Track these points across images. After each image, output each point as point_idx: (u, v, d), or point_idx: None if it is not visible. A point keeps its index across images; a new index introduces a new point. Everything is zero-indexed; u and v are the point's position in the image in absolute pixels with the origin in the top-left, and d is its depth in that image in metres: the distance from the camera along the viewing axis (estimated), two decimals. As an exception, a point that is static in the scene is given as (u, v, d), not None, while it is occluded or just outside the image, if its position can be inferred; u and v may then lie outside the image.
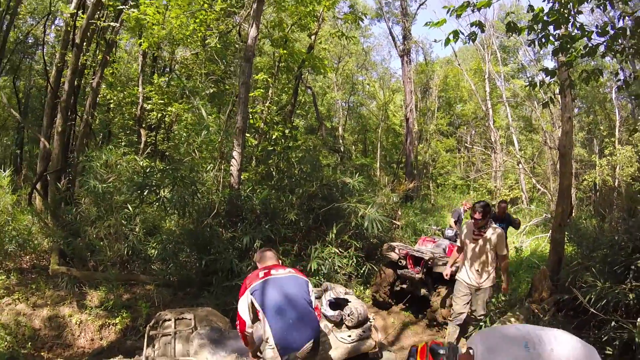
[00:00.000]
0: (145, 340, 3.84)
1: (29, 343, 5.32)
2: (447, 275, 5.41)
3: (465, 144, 26.87)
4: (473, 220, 4.97)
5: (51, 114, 9.09)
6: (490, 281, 4.98)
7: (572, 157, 7.10)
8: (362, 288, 7.20)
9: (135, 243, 7.13)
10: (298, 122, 22.05)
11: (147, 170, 6.77)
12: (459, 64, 23.50)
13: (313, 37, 10.73)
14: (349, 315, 4.27)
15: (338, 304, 4.48)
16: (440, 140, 26.04)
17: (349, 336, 4.18)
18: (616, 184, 15.59)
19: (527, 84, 5.27)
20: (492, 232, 4.89)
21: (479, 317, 5.08)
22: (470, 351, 1.73)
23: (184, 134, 8.78)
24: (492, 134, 21.66)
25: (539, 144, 22.00)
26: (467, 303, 5.07)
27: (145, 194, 6.21)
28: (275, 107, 10.74)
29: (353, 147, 26.29)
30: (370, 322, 4.44)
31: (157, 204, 6.55)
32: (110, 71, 12.86)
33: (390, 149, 26.58)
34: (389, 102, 24.60)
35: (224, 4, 8.97)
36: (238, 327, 3.22)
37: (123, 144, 11.59)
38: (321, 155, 15.00)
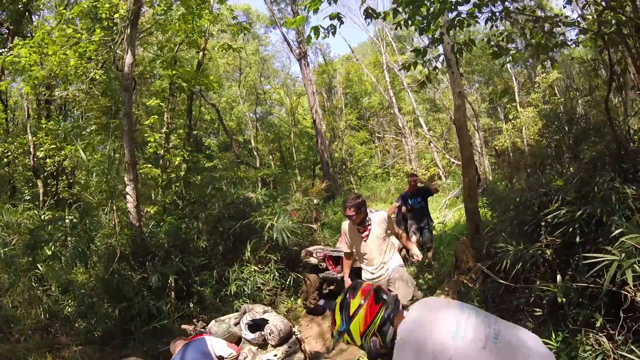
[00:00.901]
0: None
1: None
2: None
3: (377, 135, 27.78)
4: (349, 221, 4.33)
5: None
6: (396, 261, 4.46)
7: (468, 129, 7.48)
8: (292, 299, 7.03)
9: (50, 305, 6.51)
10: (210, 142, 21.57)
11: (33, 228, 6.14)
12: (357, 59, 24.20)
13: (201, 53, 10.39)
14: (270, 335, 4.13)
15: (258, 324, 4.30)
16: (353, 135, 26.65)
17: (275, 355, 4.04)
18: (525, 143, 16.73)
19: (400, 66, 5.40)
20: (376, 220, 4.34)
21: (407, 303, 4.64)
22: (405, 313, 1.69)
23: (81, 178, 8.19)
24: (399, 120, 22.56)
25: (447, 121, 23.26)
26: None
27: (37, 252, 5.61)
28: (173, 132, 10.25)
29: (270, 156, 26.17)
30: (296, 335, 4.32)
31: (49, 261, 5.95)
32: (-2, 123, 11.77)
33: (307, 152, 26.79)
34: (296, 107, 24.78)
35: (102, 33, 8.42)
36: None
37: (27, 198, 10.61)
38: (239, 171, 14.74)
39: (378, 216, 4.39)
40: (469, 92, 23.46)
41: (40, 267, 6.49)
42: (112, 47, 8.02)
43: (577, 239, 3.49)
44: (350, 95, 28.30)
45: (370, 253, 4.39)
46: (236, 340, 4.24)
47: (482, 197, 8.22)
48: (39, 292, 6.58)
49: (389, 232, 4.40)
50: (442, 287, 5.63)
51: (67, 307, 6.54)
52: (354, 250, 4.54)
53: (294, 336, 4.26)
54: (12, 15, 9.60)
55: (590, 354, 2.93)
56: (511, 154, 16.61)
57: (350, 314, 1.69)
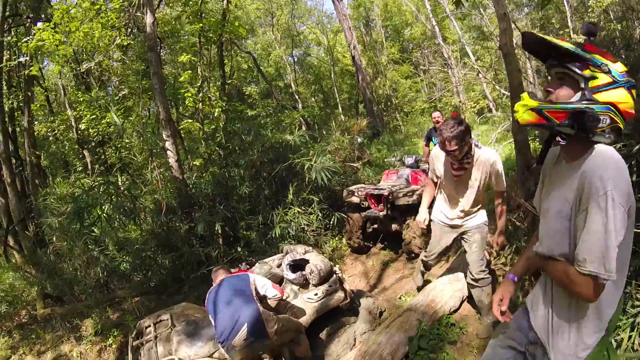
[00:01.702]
0: (130, 352, 3.81)
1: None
2: (422, 223, 3.94)
3: (422, 67, 26.46)
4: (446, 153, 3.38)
5: None
6: (481, 217, 3.71)
7: (518, 57, 6.80)
8: (336, 239, 7.10)
9: (107, 263, 7.05)
10: (251, 90, 21.56)
11: (77, 195, 6.49)
12: (393, -12, 22.71)
13: (225, 1, 10.09)
14: (310, 274, 4.18)
15: (299, 265, 4.36)
16: (396, 69, 25.55)
17: (315, 294, 4.10)
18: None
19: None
20: (483, 160, 3.37)
21: (476, 275, 3.75)
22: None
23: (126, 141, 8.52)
24: (444, 51, 21.26)
25: (496, 49, 21.66)
26: (444, 247, 4.03)
27: (83, 216, 5.93)
28: (208, 84, 10.25)
29: (313, 99, 25.84)
30: (337, 274, 4.34)
31: (100, 223, 6.30)
32: (39, 105, 12.30)
33: (350, 90, 26.15)
34: (334, 45, 23.95)
35: (120, -1, 8.37)
36: None
37: (79, 169, 11.26)
38: (283, 116, 14.71)
39: (486, 156, 3.36)
40: (518, 17, 21.54)
41: (95, 230, 6.94)
42: (132, 11, 7.94)
43: (634, 178, 3.09)
44: (390, 28, 26.83)
45: (455, 195, 3.63)
46: (279, 280, 4.33)
47: (533, 129, 7.67)
48: (95, 252, 7.10)
49: (488, 182, 3.48)
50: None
51: (122, 263, 7.01)
52: (439, 179, 3.71)
53: (334, 275, 4.28)
54: (30, 4, 9.75)
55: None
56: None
57: (633, 93, 1.49)
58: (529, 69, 18.18)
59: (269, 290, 3.55)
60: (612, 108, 1.45)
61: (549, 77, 1.60)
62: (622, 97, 1.46)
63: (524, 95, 1.57)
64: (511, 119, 14.03)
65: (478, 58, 22.55)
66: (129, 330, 5.75)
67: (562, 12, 19.16)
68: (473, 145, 3.33)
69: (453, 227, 3.80)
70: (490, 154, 3.37)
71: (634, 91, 1.48)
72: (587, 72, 1.46)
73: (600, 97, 1.45)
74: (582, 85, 1.48)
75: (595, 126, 1.45)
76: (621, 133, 1.52)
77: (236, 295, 3.32)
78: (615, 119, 1.47)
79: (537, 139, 6.70)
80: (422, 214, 3.92)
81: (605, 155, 1.48)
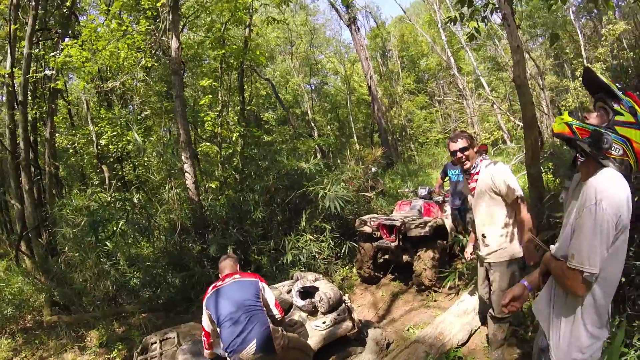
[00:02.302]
0: None
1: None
2: (467, 254, 3.91)
3: (437, 98, 26.70)
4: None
5: (15, 175, 9.12)
6: (502, 254, 3.32)
7: (532, 88, 6.90)
8: (347, 268, 7.10)
9: (117, 277, 7.14)
10: (269, 116, 21.95)
11: (93, 209, 6.66)
12: (410, 20, 23.17)
13: (247, 29, 10.48)
14: (319, 302, 4.20)
15: (308, 292, 4.39)
16: (411, 99, 25.83)
17: (324, 322, 4.11)
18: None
19: (447, 19, 5.06)
20: (486, 168, 3.30)
21: (498, 314, 3.46)
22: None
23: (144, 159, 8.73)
24: (459, 82, 21.49)
25: (510, 80, 21.80)
26: (484, 285, 3.68)
27: (99, 230, 6.08)
28: (228, 109, 10.53)
29: (328, 127, 26.14)
30: (345, 303, 4.36)
31: (114, 237, 6.44)
32: (61, 118, 12.70)
33: (365, 120, 26.42)
34: (350, 75, 24.36)
35: (147, 22, 8.74)
36: (204, 340, 3.45)
37: (96, 182, 11.51)
38: (298, 143, 14.94)
39: (487, 163, 3.33)
40: (532, 47, 21.75)
41: (108, 244, 7.07)
42: (158, 34, 8.28)
43: None
44: (406, 58, 27.30)
45: (476, 217, 3.42)
46: (287, 306, 4.36)
47: (546, 161, 7.70)
48: (106, 266, 7.19)
49: (498, 193, 3.24)
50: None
51: (132, 278, 7.09)
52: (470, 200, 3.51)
53: (343, 304, 4.29)
54: (59, 20, 10.18)
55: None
56: (579, 114, 15.29)
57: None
58: (543, 100, 18.22)
59: (272, 306, 3.56)
60: (627, 142, 1.67)
61: (593, 108, 1.86)
62: (638, 136, 1.67)
63: (565, 113, 1.84)
64: (524, 152, 14.07)
65: (493, 89, 22.73)
66: (134, 345, 5.78)
67: (576, 42, 19.34)
68: (483, 157, 3.41)
69: (480, 259, 3.55)
70: (493, 162, 3.35)
71: None
72: (617, 109, 1.71)
73: (620, 130, 1.68)
74: (610, 117, 1.72)
75: (607, 149, 1.68)
76: (631, 170, 1.72)
77: (246, 304, 3.27)
78: (627, 152, 1.68)
79: (551, 171, 6.70)
80: (469, 246, 3.94)
81: (607, 174, 1.69)
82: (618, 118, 1.70)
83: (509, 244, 3.30)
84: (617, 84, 1.78)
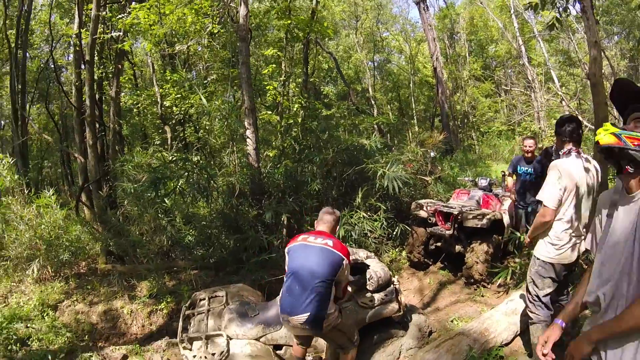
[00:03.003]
0: (181, 319, 3.98)
1: (87, 336, 5.76)
2: None
3: (504, 87, 25.42)
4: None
5: (80, 130, 9.57)
6: (537, 249, 3.45)
7: (604, 86, 6.35)
8: (397, 250, 7.06)
9: (173, 233, 7.42)
10: (329, 90, 21.85)
11: (155, 166, 6.89)
12: (481, 3, 21.94)
13: (314, 1, 10.34)
14: (369, 280, 4.20)
15: (359, 268, 4.41)
16: (477, 86, 24.74)
17: (370, 300, 4.12)
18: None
19: (528, 4, 4.74)
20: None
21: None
22: None
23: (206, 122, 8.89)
24: (528, 72, 20.28)
25: (582, 77, 20.41)
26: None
27: (160, 187, 6.31)
28: (291, 80, 10.55)
29: (388, 106, 25.69)
30: (394, 284, 4.34)
31: (173, 195, 6.67)
32: (127, 78, 13.18)
33: (427, 102, 25.73)
34: (416, 54, 23.63)
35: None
36: None
37: (157, 142, 11.98)
38: (357, 120, 14.83)
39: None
40: (607, 45, 20.07)
41: (167, 201, 7.31)
42: (227, 1, 8.30)
43: None
44: (474, 43, 26.02)
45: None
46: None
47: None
48: (164, 222, 7.48)
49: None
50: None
51: (187, 236, 7.32)
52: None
53: (392, 285, 4.28)
54: None
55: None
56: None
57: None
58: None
59: (340, 288, 3.47)
60: None
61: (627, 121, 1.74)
62: None
63: (607, 124, 1.70)
64: (592, 153, 13.17)
65: (563, 84, 21.29)
66: (182, 299, 6.08)
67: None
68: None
69: None
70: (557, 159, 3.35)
71: None
72: None
73: None
74: None
75: None
76: None
77: (320, 275, 3.16)
78: None
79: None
80: None
81: None
82: None
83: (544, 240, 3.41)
84: None
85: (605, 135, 1.66)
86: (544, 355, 1.93)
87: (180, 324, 3.94)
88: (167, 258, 7.55)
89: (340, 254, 3.25)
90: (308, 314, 3.11)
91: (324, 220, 3.52)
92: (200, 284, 6.34)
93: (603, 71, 6.20)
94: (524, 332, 4.01)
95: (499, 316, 4.31)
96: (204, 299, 4.19)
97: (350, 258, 4.41)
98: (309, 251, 3.26)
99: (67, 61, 17.33)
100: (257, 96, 11.60)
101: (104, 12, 9.36)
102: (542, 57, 20.61)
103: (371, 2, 22.95)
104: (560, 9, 4.68)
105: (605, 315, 1.74)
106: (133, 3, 9.40)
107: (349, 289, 4.09)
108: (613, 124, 1.68)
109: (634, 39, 19.75)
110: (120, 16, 8.88)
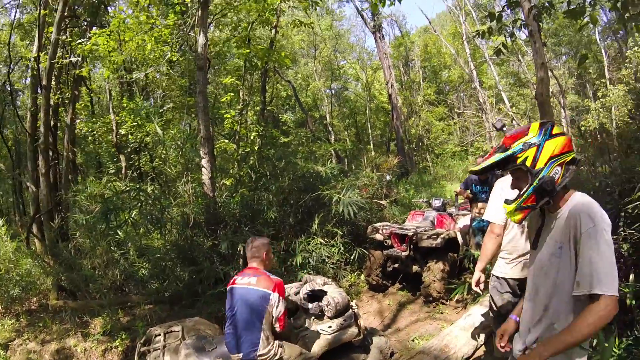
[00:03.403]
0: (136, 357, 3.83)
1: (40, 378, 5.43)
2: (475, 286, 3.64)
3: (457, 110, 26.55)
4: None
5: (33, 157, 9.22)
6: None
7: (553, 106, 6.83)
8: (355, 274, 7.10)
9: (126, 267, 7.19)
10: (287, 118, 22.06)
11: (107, 197, 6.73)
12: (434, 31, 23.11)
13: (273, 31, 10.57)
14: (327, 306, 4.18)
15: (316, 295, 4.39)
16: (431, 110, 25.72)
17: (329, 327, 4.09)
18: (614, 125, 15.26)
19: (475, 33, 5.07)
20: None
21: None
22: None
23: (162, 151, 8.81)
24: (479, 95, 21.35)
25: (531, 97, 21.62)
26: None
27: (111, 218, 6.13)
28: (248, 108, 10.62)
29: (346, 132, 26.18)
30: (353, 309, 4.35)
31: (125, 226, 6.51)
32: (83, 105, 12.89)
33: (383, 128, 26.38)
34: (372, 82, 24.36)
35: (175, 17, 8.87)
36: None
37: (112, 171, 11.64)
38: (314, 147, 14.98)
39: None
40: (556, 65, 21.54)
41: (119, 233, 7.11)
42: (185, 29, 8.38)
43: (622, 230, 3.12)
44: (428, 69, 27.24)
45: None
46: (295, 307, 4.37)
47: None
48: (116, 255, 7.23)
49: None
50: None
51: (141, 269, 7.14)
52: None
53: (351, 310, 4.28)
54: (88, 9, 10.34)
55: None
56: (598, 136, 15.04)
57: (553, 133, 1.78)
58: (563, 119, 18.01)
59: (275, 322, 3.41)
60: (553, 160, 1.75)
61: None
62: (550, 147, 1.75)
63: (504, 205, 1.90)
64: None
65: (513, 104, 22.52)
66: (138, 335, 5.81)
67: (600, 62, 19.11)
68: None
69: None
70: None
71: (555, 127, 1.79)
72: (519, 160, 1.77)
73: (540, 163, 1.75)
74: (525, 168, 1.78)
75: (553, 183, 1.74)
76: (575, 160, 1.80)
77: (244, 316, 3.27)
78: (561, 162, 1.76)
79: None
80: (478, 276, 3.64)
81: (583, 200, 1.78)
82: (528, 161, 1.76)
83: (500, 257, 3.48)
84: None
85: (514, 216, 1.87)
86: (502, 347, 2.14)
87: (136, 361, 3.79)
88: (121, 293, 7.30)
89: (265, 290, 3.24)
90: (242, 354, 3.21)
91: (251, 254, 3.50)
92: (155, 319, 6.15)
93: (552, 89, 6.61)
94: (486, 344, 4.10)
95: (457, 332, 4.39)
96: (160, 335, 4.02)
97: (306, 286, 4.41)
98: (235, 293, 3.33)
99: (24, 84, 16.75)
100: (214, 124, 11.57)
101: (64, 36, 9.20)
102: (493, 80, 21.77)
103: (329, 32, 23.60)
104: (507, 35, 5.00)
105: (538, 325, 1.88)
106: (94, 28, 9.28)
107: (302, 319, 4.08)
108: (506, 201, 1.89)
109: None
110: (80, 41, 8.75)
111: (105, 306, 6.50)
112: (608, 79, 17.63)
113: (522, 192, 1.80)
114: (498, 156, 1.81)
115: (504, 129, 2.09)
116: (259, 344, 3.24)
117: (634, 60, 15.17)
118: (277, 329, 3.43)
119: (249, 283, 3.31)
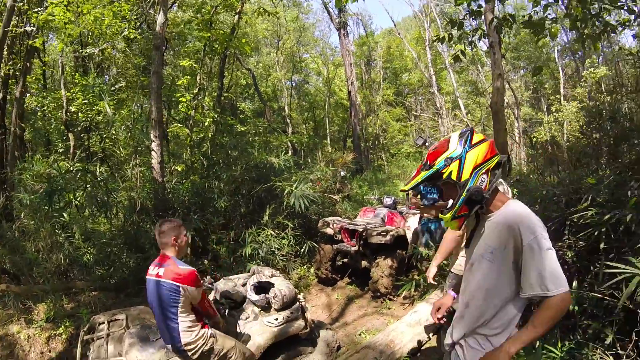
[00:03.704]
0: (79, 345, 3.70)
1: (-19, 365, 5.14)
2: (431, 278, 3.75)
3: (414, 113, 27.16)
4: None
5: None
6: None
7: (507, 117, 7.08)
8: (305, 267, 7.09)
9: (71, 251, 6.83)
10: (245, 106, 21.68)
11: (52, 176, 6.34)
12: (399, 34, 23.46)
13: (236, 16, 10.31)
14: (274, 298, 4.14)
15: (263, 287, 4.33)
16: (389, 110, 26.14)
17: (276, 319, 4.05)
18: (564, 139, 16.06)
19: (435, 38, 5.15)
20: None
21: None
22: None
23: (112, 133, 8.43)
24: (437, 100, 21.92)
25: (487, 106, 22.44)
26: None
27: (55, 199, 5.79)
28: (204, 93, 10.33)
29: (304, 125, 26.12)
30: (300, 302, 4.33)
31: (70, 208, 6.17)
32: (34, 78, 12.11)
33: (341, 124, 26.54)
34: (333, 78, 24.43)
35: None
36: None
37: (60, 150, 11.02)
38: (272, 137, 14.83)
39: None
40: (513, 78, 22.50)
41: (65, 215, 6.76)
42: (145, 6, 8.03)
43: (602, 245, 3.21)
44: (389, 70, 27.64)
45: None
46: (241, 299, 4.29)
47: (512, 187, 7.89)
48: (61, 238, 6.85)
49: None
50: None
51: (86, 254, 6.81)
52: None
53: (297, 303, 4.26)
54: None
55: (594, 372, 2.73)
56: (549, 148, 15.86)
57: (473, 142, 1.79)
58: (516, 129, 18.83)
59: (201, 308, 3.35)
60: (477, 170, 1.78)
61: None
62: (472, 158, 1.78)
63: (441, 215, 1.93)
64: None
65: (469, 112, 23.31)
66: (82, 323, 5.60)
67: (556, 79, 20.07)
68: None
69: None
70: None
71: (475, 135, 1.82)
72: (445, 175, 1.80)
73: (465, 175, 1.78)
74: (452, 182, 1.80)
75: (481, 192, 1.78)
76: (499, 164, 1.85)
77: (159, 308, 3.14)
78: (485, 169, 1.79)
79: (516, 197, 6.86)
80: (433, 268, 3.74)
81: (519, 210, 1.81)
82: (453, 175, 1.79)
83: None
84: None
85: (451, 225, 1.93)
86: (439, 319, 2.29)
87: (79, 350, 3.66)
88: (65, 278, 6.92)
89: (172, 283, 3.05)
90: (170, 345, 3.16)
91: (159, 239, 3.30)
92: (99, 306, 5.96)
93: (508, 100, 6.87)
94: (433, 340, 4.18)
95: (403, 327, 4.44)
96: (103, 323, 3.87)
97: (253, 278, 4.34)
98: (148, 285, 3.22)
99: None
100: (169, 107, 11.20)
101: (21, 4, 8.56)
102: (451, 86, 22.40)
103: (294, 24, 23.39)
104: (465, 44, 5.12)
105: (462, 321, 2.00)
106: (51, -2, 8.72)
107: (249, 311, 4.01)
108: (442, 211, 1.92)
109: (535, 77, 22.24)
110: (36, 10, 8.19)
111: (49, 291, 6.20)
112: (563, 95, 18.54)
113: (454, 203, 1.84)
114: (424, 174, 1.84)
115: (426, 144, 2.13)
116: (180, 334, 3.13)
117: (589, 80, 16.03)
118: (206, 314, 3.41)
119: (157, 274, 3.13)
